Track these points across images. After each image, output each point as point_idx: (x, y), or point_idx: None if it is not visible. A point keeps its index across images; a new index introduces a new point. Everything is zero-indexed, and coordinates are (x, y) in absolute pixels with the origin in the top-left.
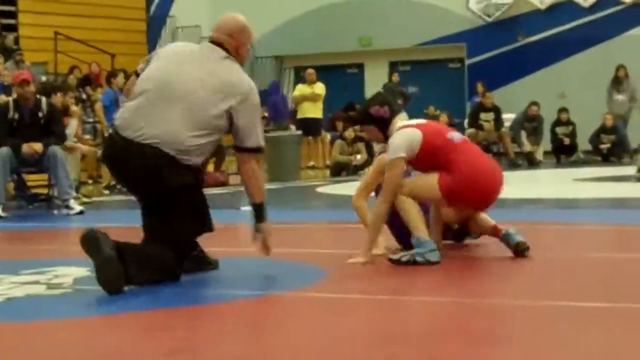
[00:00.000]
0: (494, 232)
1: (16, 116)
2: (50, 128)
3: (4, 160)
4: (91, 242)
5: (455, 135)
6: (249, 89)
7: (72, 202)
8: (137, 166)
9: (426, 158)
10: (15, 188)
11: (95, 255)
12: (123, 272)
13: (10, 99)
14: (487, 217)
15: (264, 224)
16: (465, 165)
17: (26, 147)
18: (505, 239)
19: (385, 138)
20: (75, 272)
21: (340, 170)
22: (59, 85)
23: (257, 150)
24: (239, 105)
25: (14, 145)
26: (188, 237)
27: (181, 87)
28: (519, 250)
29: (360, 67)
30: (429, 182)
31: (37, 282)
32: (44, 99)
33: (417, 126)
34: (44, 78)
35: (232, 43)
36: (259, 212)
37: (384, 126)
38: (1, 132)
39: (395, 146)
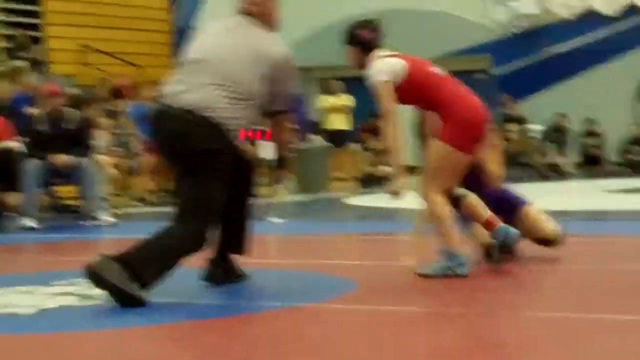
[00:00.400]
0: (488, 225)
1: (45, 128)
2: (79, 140)
3: (34, 172)
4: (92, 276)
5: (437, 69)
6: (279, 54)
7: (102, 214)
8: (169, 129)
9: (414, 90)
10: (46, 200)
11: (102, 286)
12: (134, 288)
13: (40, 111)
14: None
15: (284, 171)
16: (458, 104)
17: (55, 159)
18: (496, 234)
19: (362, 66)
20: None
21: (369, 182)
22: (89, 97)
23: (283, 112)
24: (270, 70)
25: (43, 158)
26: (209, 203)
27: (215, 57)
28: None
29: None
30: (435, 150)
31: (69, 294)
32: (73, 111)
33: (399, 56)
34: (72, 90)
35: (259, 10)
36: (281, 162)
37: (364, 51)
38: (31, 144)
39: (377, 70)
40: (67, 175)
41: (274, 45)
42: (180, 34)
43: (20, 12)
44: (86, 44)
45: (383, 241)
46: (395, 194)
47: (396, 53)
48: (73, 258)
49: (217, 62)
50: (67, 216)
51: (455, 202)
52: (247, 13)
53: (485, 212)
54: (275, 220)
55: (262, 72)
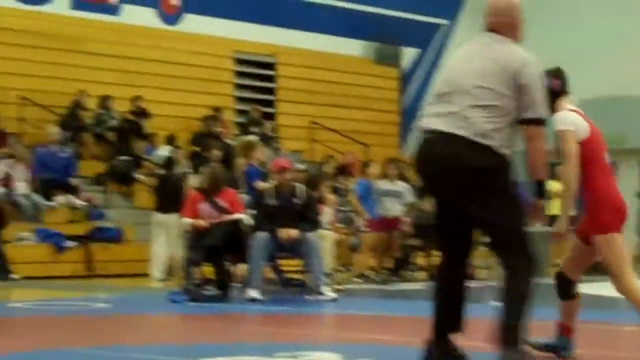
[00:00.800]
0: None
1: (274, 202)
2: (305, 215)
3: (262, 244)
4: None
5: (606, 156)
6: (524, 63)
7: (325, 289)
8: (439, 152)
9: (582, 155)
10: (271, 273)
11: None
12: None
13: (269, 185)
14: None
15: (540, 200)
16: (606, 190)
17: (282, 233)
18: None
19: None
20: (329, 357)
21: (590, 269)
22: (319, 176)
23: (536, 121)
24: (518, 81)
25: (271, 231)
26: (516, 228)
27: (465, 81)
28: None
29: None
30: (605, 244)
31: None
32: (300, 186)
33: (585, 118)
34: (300, 166)
35: (505, 23)
36: (538, 189)
37: (553, 98)
38: (259, 217)
39: (564, 119)
40: (292, 249)
41: (518, 56)
42: (409, 114)
43: (256, 88)
44: (315, 121)
45: (608, 331)
46: (558, 235)
47: (581, 112)
48: (296, 331)
49: (467, 86)
50: (290, 289)
51: None
52: (492, 29)
53: (573, 322)
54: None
55: (510, 84)
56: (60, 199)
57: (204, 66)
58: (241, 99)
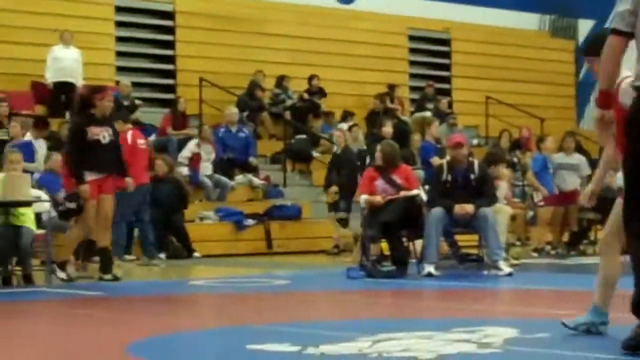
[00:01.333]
0: None
1: (449, 178)
2: (481, 190)
3: (437, 220)
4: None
5: None
6: None
7: (501, 264)
8: None
9: None
10: (447, 248)
11: None
12: None
13: (444, 161)
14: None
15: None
16: None
17: (458, 208)
18: None
19: None
20: (505, 332)
21: None
22: (502, 153)
23: None
24: None
25: (446, 206)
26: None
27: None
28: None
29: None
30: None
31: (467, 341)
32: (476, 162)
33: None
34: (475, 141)
35: None
36: None
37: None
38: (435, 193)
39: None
40: (467, 224)
41: None
42: (585, 87)
43: (430, 64)
44: (490, 96)
45: None
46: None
47: None
48: (471, 306)
49: None
50: (466, 264)
51: None
52: None
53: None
54: None
55: None
56: (240, 178)
57: (378, 44)
58: (415, 76)
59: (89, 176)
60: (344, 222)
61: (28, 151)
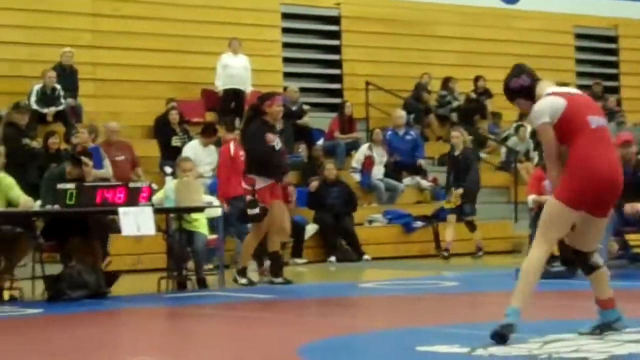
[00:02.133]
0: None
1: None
2: None
3: (610, 219)
4: None
5: (594, 120)
6: None
7: None
8: None
9: (560, 129)
10: (617, 247)
11: None
12: None
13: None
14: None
15: None
16: (580, 160)
17: (628, 207)
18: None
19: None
20: None
21: None
22: None
23: None
24: None
25: (617, 205)
26: None
27: None
28: None
29: None
30: (550, 207)
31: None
32: None
33: (563, 94)
34: None
35: None
36: None
37: (527, 95)
38: None
39: (537, 113)
40: (637, 223)
41: None
42: None
43: (597, 62)
44: None
45: None
46: None
47: (561, 91)
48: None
49: None
50: (637, 264)
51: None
52: None
53: (609, 292)
54: None
55: None
56: (408, 180)
57: (544, 43)
58: (582, 74)
59: (262, 182)
60: (471, 226)
61: (96, 157)
